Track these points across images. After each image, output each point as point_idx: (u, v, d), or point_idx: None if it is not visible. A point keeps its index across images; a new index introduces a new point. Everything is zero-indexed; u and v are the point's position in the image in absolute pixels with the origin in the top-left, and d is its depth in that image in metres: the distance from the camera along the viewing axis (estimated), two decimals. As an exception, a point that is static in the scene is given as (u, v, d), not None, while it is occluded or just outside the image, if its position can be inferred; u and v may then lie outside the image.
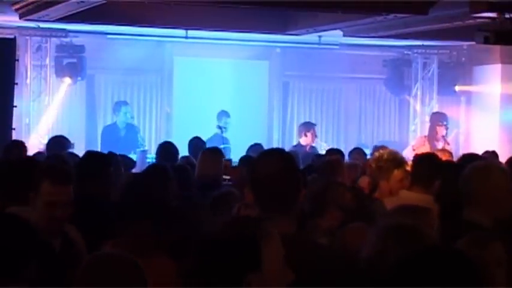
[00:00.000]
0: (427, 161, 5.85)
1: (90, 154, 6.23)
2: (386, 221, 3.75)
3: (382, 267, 3.06)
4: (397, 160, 6.13)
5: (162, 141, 10.19)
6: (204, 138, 10.73)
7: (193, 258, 2.54)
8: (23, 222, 2.96)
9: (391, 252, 3.16)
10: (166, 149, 8.90)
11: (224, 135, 12.51)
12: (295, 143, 13.11)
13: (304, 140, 12.55)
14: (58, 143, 9.50)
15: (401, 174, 5.99)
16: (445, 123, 13.41)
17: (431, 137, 13.25)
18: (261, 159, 3.50)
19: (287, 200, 3.37)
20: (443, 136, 13.24)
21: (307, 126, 12.77)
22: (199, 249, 2.53)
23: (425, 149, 11.66)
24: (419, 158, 6.10)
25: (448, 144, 13.06)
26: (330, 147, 11.80)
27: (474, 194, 4.32)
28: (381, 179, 6.06)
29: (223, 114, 12.97)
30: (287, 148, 12.36)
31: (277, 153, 3.61)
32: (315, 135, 12.62)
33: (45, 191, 4.21)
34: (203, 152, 7.83)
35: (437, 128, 13.32)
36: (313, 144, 12.46)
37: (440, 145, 12.84)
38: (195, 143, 9.77)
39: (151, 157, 10.77)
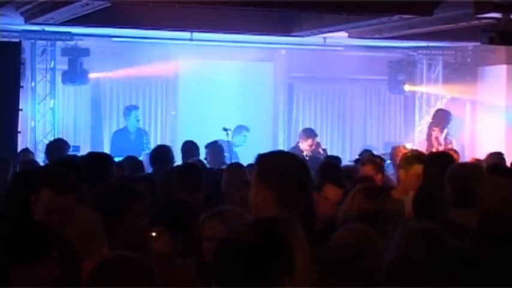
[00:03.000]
0: (437, 161, 5.82)
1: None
2: (412, 223, 3.80)
3: (407, 269, 3.09)
4: (420, 157, 6.44)
5: (167, 143, 10.26)
6: (210, 140, 10.66)
7: (223, 259, 2.50)
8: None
9: (416, 254, 3.20)
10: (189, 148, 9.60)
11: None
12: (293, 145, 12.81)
13: (302, 146, 12.16)
14: (57, 147, 9.56)
15: (420, 170, 6.07)
16: (438, 127, 13.15)
17: (429, 140, 13.13)
18: (278, 159, 3.46)
19: (303, 200, 3.40)
20: (436, 138, 13.08)
21: (307, 135, 12.32)
22: (230, 251, 2.49)
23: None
24: (429, 158, 6.10)
25: (441, 145, 12.86)
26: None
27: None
28: (400, 168, 6.39)
29: (243, 128, 12.64)
30: (288, 150, 12.23)
31: (290, 154, 3.65)
32: (313, 146, 12.10)
33: (45, 199, 4.07)
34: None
35: (432, 132, 13.19)
36: (308, 154, 11.80)
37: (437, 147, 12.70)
38: (188, 147, 9.74)
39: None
